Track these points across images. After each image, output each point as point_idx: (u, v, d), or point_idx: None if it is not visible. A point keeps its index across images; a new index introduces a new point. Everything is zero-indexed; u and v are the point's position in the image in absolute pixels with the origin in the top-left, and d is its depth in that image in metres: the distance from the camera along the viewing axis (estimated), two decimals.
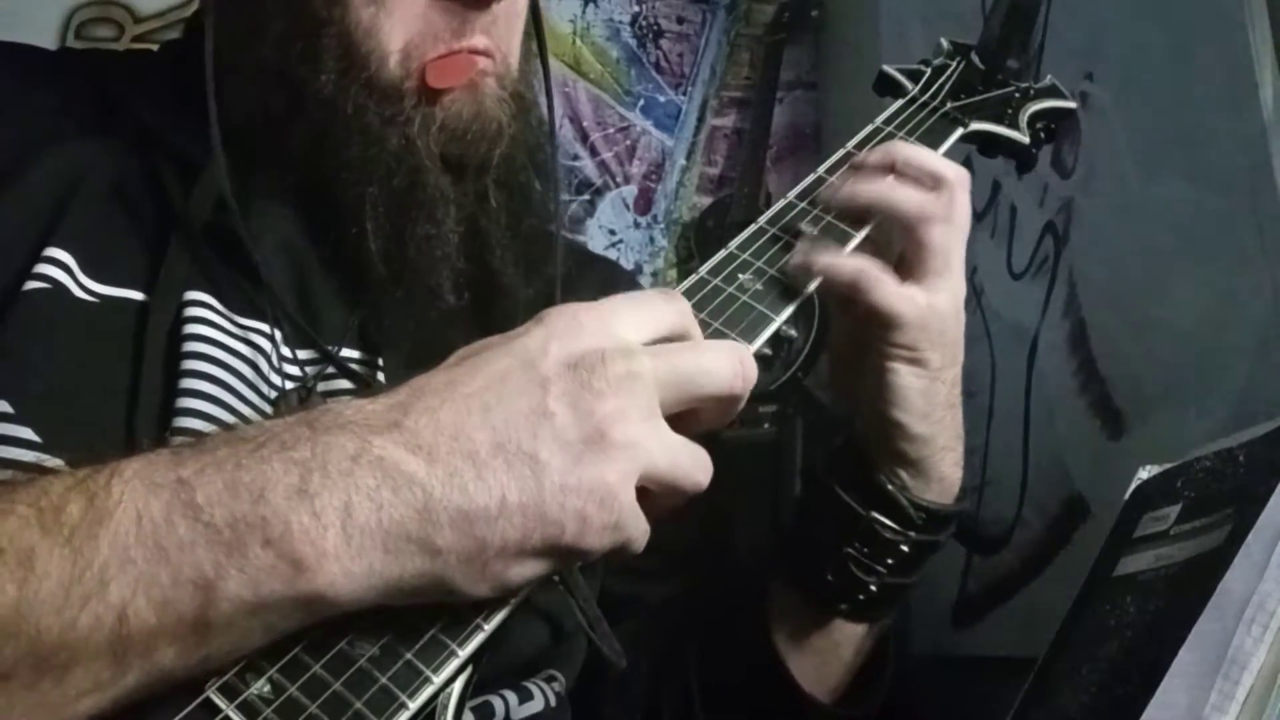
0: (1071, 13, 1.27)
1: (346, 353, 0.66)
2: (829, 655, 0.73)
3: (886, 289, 0.63)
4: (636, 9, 2.05)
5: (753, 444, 1.38)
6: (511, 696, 0.63)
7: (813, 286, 0.62)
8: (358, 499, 0.42)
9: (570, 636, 0.67)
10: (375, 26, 0.62)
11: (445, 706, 0.44)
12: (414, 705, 0.43)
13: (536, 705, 0.65)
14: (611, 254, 1.94)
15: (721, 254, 0.63)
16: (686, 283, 0.60)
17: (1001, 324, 1.42)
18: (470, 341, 0.70)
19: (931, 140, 0.73)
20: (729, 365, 0.50)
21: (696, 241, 1.98)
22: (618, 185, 1.99)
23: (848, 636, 0.73)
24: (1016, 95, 0.79)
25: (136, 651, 0.41)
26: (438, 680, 0.44)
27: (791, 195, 0.67)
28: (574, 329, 0.47)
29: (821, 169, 0.69)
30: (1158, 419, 1.09)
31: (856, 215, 0.66)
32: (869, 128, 0.72)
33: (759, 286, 0.61)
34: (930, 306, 0.64)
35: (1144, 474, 0.76)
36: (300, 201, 0.66)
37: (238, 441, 0.44)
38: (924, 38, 1.64)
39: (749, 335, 0.58)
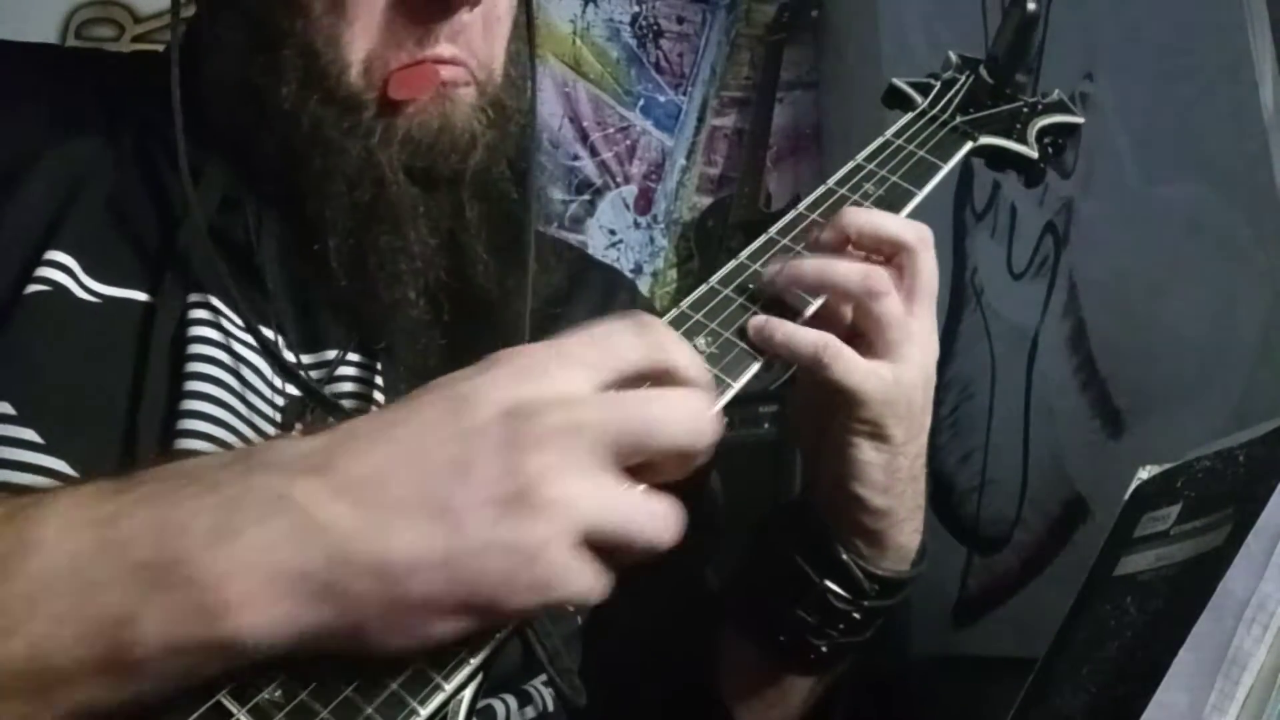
0: (1071, 13, 1.27)
1: (349, 358, 0.66)
2: (776, 703, 0.72)
3: (848, 365, 0.60)
4: (636, 9, 2.05)
5: (753, 444, 1.38)
6: (512, 700, 0.63)
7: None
8: (277, 544, 0.41)
9: (568, 642, 0.66)
10: (335, 37, 0.61)
11: (456, 713, 0.44)
12: (425, 712, 0.43)
13: (536, 709, 0.65)
14: (611, 254, 1.95)
15: (732, 264, 0.63)
16: (697, 292, 0.60)
17: (1001, 324, 1.42)
18: (448, 349, 0.70)
19: (941, 154, 0.72)
20: (687, 417, 0.46)
21: (696, 241, 1.98)
22: (618, 185, 1.99)
23: (797, 687, 0.71)
24: (1025, 110, 0.79)
25: (59, 689, 0.40)
26: (449, 687, 0.43)
27: (802, 206, 0.66)
28: (519, 373, 0.45)
29: (831, 181, 0.68)
30: (1158, 419, 1.09)
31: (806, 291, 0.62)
32: (879, 140, 0.72)
33: (763, 303, 0.60)
34: (896, 381, 0.61)
35: (1144, 474, 0.76)
36: (282, 211, 0.65)
37: (171, 477, 0.43)
38: (924, 38, 1.64)
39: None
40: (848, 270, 0.61)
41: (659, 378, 0.48)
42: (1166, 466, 0.74)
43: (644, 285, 1.94)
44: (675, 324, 0.58)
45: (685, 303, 0.59)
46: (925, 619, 1.48)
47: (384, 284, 0.64)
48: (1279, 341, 0.94)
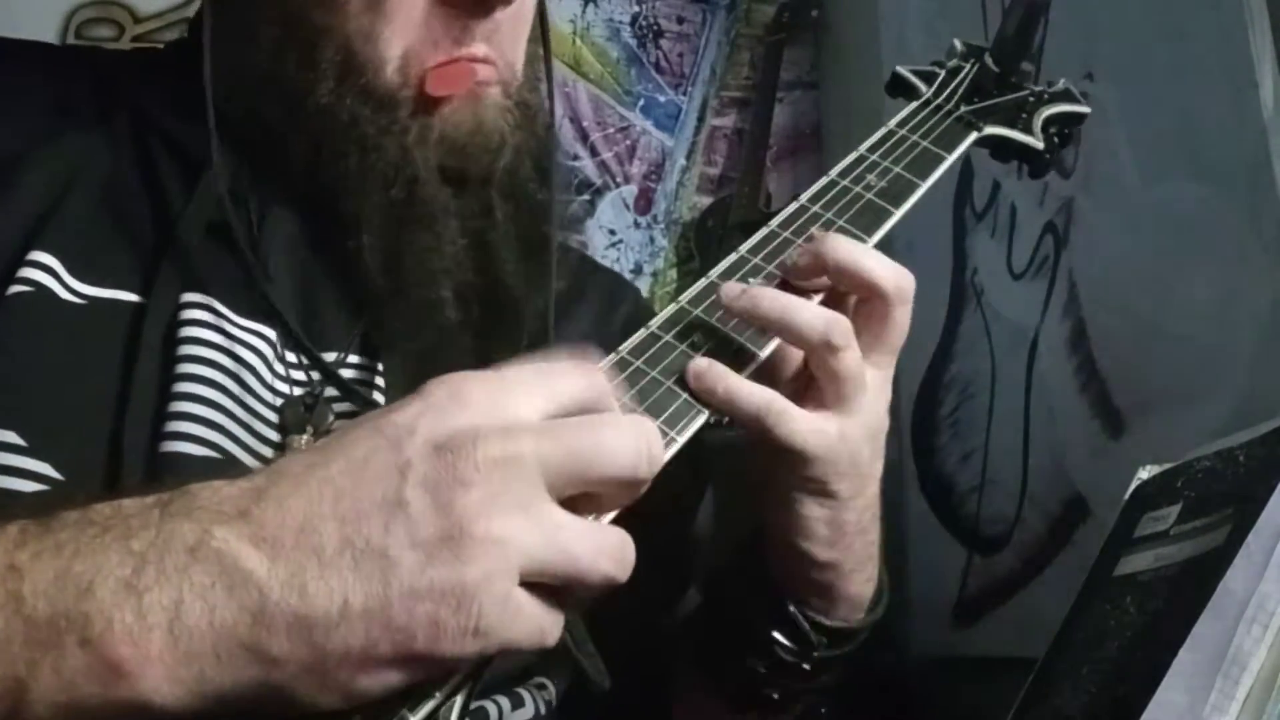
0: (1071, 12, 1.27)
1: (349, 359, 0.66)
2: None
3: (792, 425, 0.56)
4: (636, 9, 2.05)
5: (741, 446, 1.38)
6: (504, 702, 0.63)
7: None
8: (189, 597, 0.38)
9: (560, 648, 0.66)
10: (374, 33, 0.61)
11: (447, 717, 0.44)
12: (415, 718, 0.42)
13: (528, 712, 0.64)
14: (611, 254, 1.95)
15: (732, 257, 0.62)
16: (696, 287, 0.60)
17: (1001, 324, 1.42)
18: (471, 351, 0.69)
19: (946, 144, 0.71)
20: (631, 445, 0.43)
21: (696, 241, 1.98)
22: (618, 185, 1.99)
23: None
24: (1030, 99, 0.77)
25: None
26: (439, 695, 0.43)
27: (804, 199, 0.66)
28: (453, 404, 0.42)
29: (834, 172, 0.67)
30: (1158, 419, 1.09)
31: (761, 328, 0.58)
32: (882, 130, 0.71)
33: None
34: (841, 437, 0.58)
35: (1144, 474, 0.76)
36: (302, 208, 0.65)
37: (86, 524, 0.41)
38: (924, 38, 1.64)
39: (756, 344, 0.57)
40: (810, 319, 0.56)
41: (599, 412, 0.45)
42: (1166, 466, 0.74)
43: (644, 285, 1.94)
44: (673, 320, 0.57)
45: (684, 298, 0.59)
46: (925, 619, 1.48)
47: (419, 283, 0.63)
48: (1279, 341, 0.94)
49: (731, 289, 0.58)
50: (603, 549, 0.42)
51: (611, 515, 0.45)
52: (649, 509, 0.48)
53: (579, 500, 0.43)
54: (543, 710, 0.65)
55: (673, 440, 0.53)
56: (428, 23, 0.61)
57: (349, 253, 0.63)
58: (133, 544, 0.39)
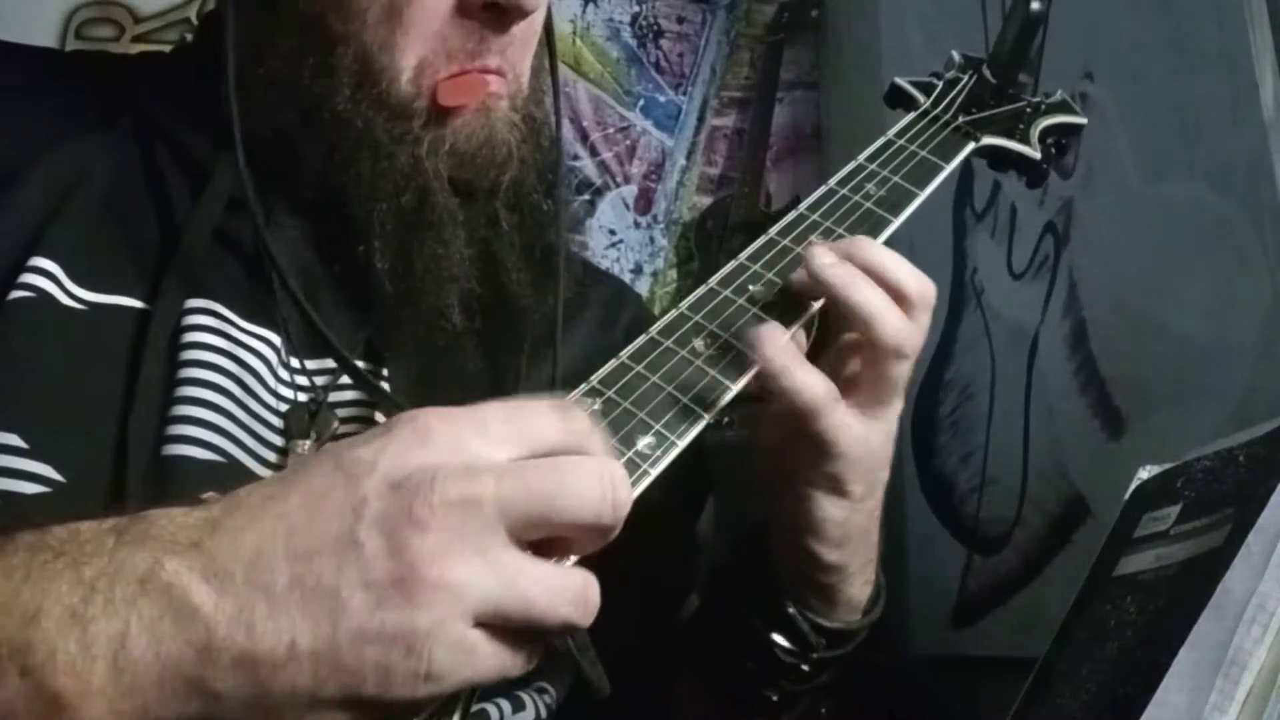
0: (1071, 13, 1.27)
1: (355, 364, 0.66)
2: None
3: (837, 418, 0.57)
4: (636, 9, 2.05)
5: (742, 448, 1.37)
6: (505, 705, 0.63)
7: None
8: (136, 629, 0.38)
9: (560, 652, 0.66)
10: (391, 43, 0.61)
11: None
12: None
13: (529, 716, 0.65)
14: (611, 254, 1.95)
15: (732, 265, 0.62)
16: (696, 293, 0.60)
17: (1001, 324, 1.42)
18: (476, 359, 0.69)
19: (944, 154, 0.71)
20: (594, 491, 0.42)
21: (696, 241, 1.98)
22: (618, 185, 1.99)
23: None
24: (1028, 110, 0.78)
25: None
26: (427, 713, 0.42)
27: (802, 207, 0.66)
28: (416, 440, 0.41)
29: (833, 181, 0.68)
30: (1158, 419, 1.09)
31: (812, 298, 0.59)
32: (880, 140, 0.71)
33: (762, 304, 0.60)
34: (865, 438, 0.59)
35: (1144, 474, 0.76)
36: (310, 214, 0.65)
37: (41, 547, 0.40)
38: (923, 38, 1.64)
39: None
40: (895, 322, 0.58)
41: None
42: (1166, 466, 0.74)
43: (644, 285, 1.94)
44: (674, 326, 0.58)
45: (684, 304, 0.59)
46: (925, 619, 1.48)
47: (428, 289, 0.63)
48: (1279, 341, 0.94)
49: (827, 254, 0.58)
50: (561, 595, 0.41)
51: (576, 558, 0.44)
52: (653, 513, 0.47)
53: (547, 542, 0.42)
54: (544, 713, 0.66)
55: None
56: (444, 34, 0.62)
57: (358, 258, 0.63)
58: (84, 571, 0.39)
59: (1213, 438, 0.72)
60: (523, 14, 0.62)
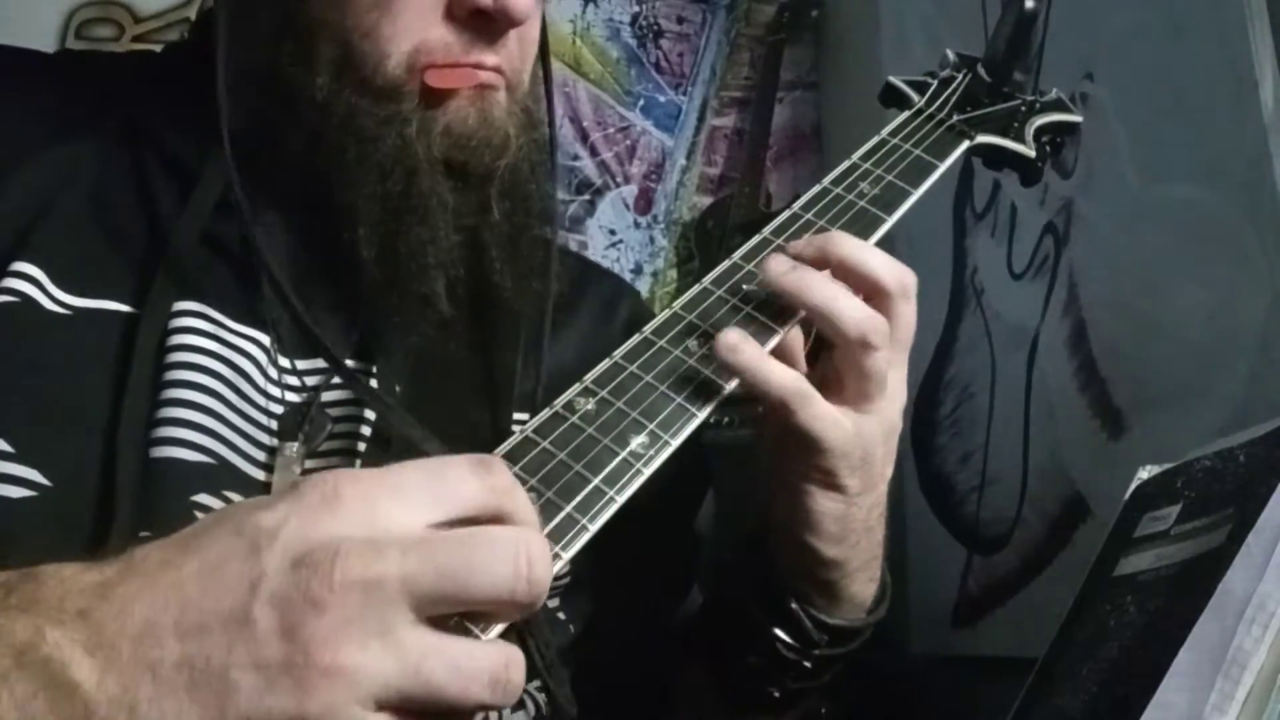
0: (1071, 13, 1.27)
1: (345, 364, 0.66)
2: None
3: (814, 411, 0.57)
4: (636, 9, 2.05)
5: (752, 444, 1.38)
6: None
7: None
8: (6, 707, 0.35)
9: (561, 650, 0.66)
10: (377, 32, 0.61)
11: None
12: None
13: (529, 714, 0.65)
14: (611, 254, 1.95)
15: (726, 264, 0.62)
16: (690, 293, 0.60)
17: (1001, 324, 1.42)
18: (466, 355, 0.68)
19: (938, 152, 0.72)
20: (508, 567, 0.39)
21: (696, 241, 1.98)
22: (618, 185, 1.99)
23: None
24: (1022, 108, 0.79)
25: None
26: None
27: (796, 206, 0.66)
28: (323, 509, 0.38)
29: (827, 180, 0.68)
30: (1158, 419, 1.09)
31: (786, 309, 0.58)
32: (875, 139, 0.72)
33: (756, 303, 0.60)
34: (857, 433, 0.58)
35: (1144, 474, 0.76)
36: (297, 209, 0.65)
37: None
38: (923, 38, 1.64)
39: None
40: (853, 313, 0.57)
41: (494, 520, 0.41)
42: (1166, 466, 0.74)
43: (644, 285, 1.94)
44: (668, 325, 0.58)
45: (678, 304, 0.59)
46: (925, 619, 1.48)
47: (415, 276, 0.63)
48: (1279, 341, 0.94)
49: (782, 262, 0.58)
50: (475, 675, 0.38)
51: (500, 629, 0.41)
52: (652, 510, 0.47)
53: (470, 613, 0.40)
54: (544, 711, 0.66)
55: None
56: (435, 31, 0.61)
57: (344, 247, 0.63)
58: None
59: (1213, 438, 0.72)
60: (511, 23, 0.61)
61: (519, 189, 0.67)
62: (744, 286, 0.60)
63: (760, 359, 0.56)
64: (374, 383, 0.64)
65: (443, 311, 0.64)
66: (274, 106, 0.63)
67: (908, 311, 0.60)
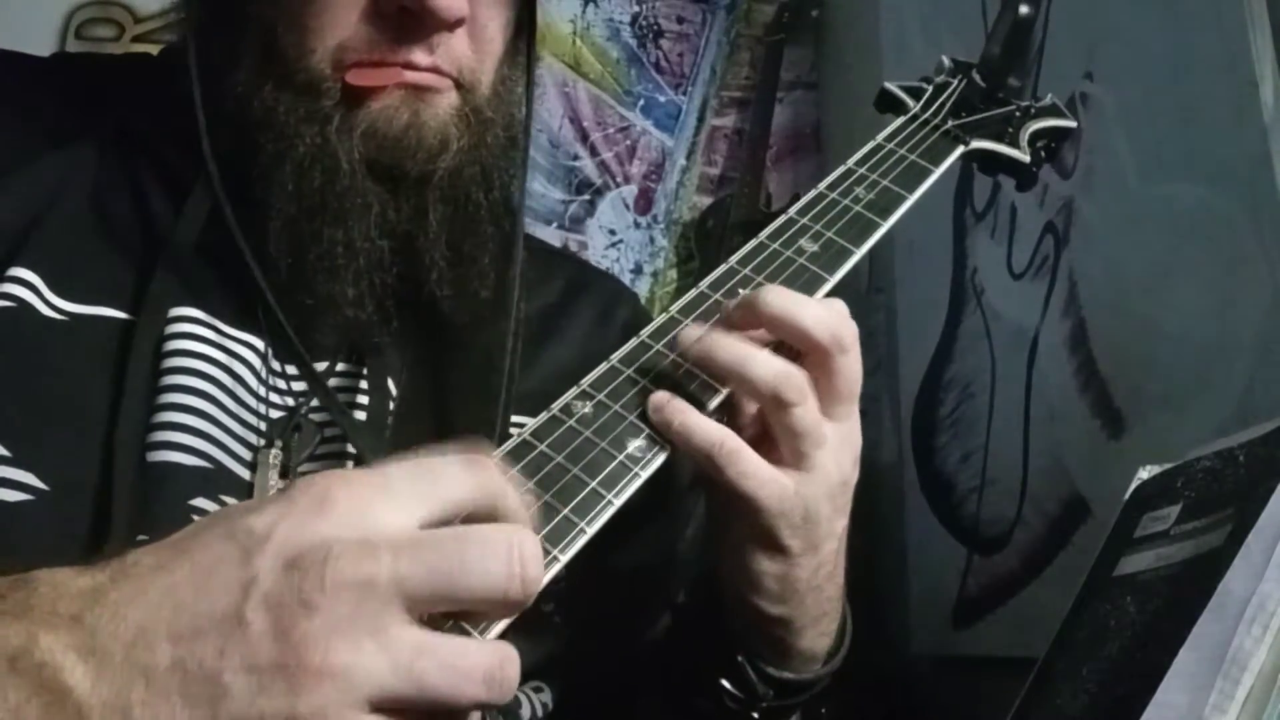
0: (1071, 13, 1.27)
1: (338, 368, 0.65)
2: None
3: (743, 469, 0.54)
4: (636, 9, 2.05)
5: None
6: None
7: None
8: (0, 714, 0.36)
9: (556, 652, 0.66)
10: (302, 24, 0.60)
11: None
12: None
13: (525, 714, 0.65)
14: (611, 254, 1.95)
15: (722, 269, 0.62)
16: (687, 297, 0.60)
17: (1001, 324, 1.42)
18: (465, 357, 0.68)
19: (933, 157, 0.72)
20: (501, 566, 0.39)
21: (696, 241, 1.98)
22: (618, 185, 1.99)
23: None
24: (1017, 114, 0.79)
25: None
26: None
27: (793, 211, 0.66)
28: (314, 511, 0.38)
29: (822, 185, 0.68)
30: (1158, 419, 1.09)
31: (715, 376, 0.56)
32: (870, 144, 0.72)
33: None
34: (796, 492, 0.56)
35: (1144, 474, 0.76)
36: (259, 212, 0.63)
37: None
38: (923, 38, 1.64)
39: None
40: (761, 373, 0.54)
41: (486, 518, 0.41)
42: (1166, 466, 0.74)
43: (644, 285, 1.94)
44: (665, 329, 0.58)
45: (674, 307, 0.59)
46: (925, 619, 1.48)
47: (321, 277, 0.61)
48: (1279, 341, 0.94)
49: (690, 333, 0.56)
50: (468, 675, 0.38)
51: (501, 627, 0.41)
52: (636, 524, 0.46)
53: (464, 612, 0.40)
54: (540, 713, 0.66)
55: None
56: (361, 29, 0.60)
57: (256, 243, 0.61)
58: None
59: (1213, 438, 0.72)
60: (439, 23, 0.59)
61: (461, 193, 0.65)
62: (740, 291, 0.59)
63: (682, 415, 0.53)
64: (364, 384, 0.64)
65: (349, 316, 0.62)
66: (226, 110, 0.62)
67: (846, 364, 0.56)
